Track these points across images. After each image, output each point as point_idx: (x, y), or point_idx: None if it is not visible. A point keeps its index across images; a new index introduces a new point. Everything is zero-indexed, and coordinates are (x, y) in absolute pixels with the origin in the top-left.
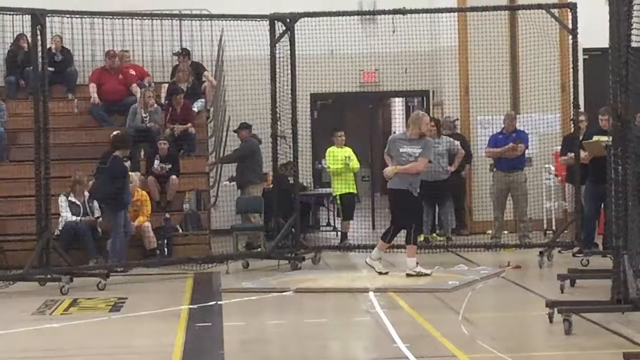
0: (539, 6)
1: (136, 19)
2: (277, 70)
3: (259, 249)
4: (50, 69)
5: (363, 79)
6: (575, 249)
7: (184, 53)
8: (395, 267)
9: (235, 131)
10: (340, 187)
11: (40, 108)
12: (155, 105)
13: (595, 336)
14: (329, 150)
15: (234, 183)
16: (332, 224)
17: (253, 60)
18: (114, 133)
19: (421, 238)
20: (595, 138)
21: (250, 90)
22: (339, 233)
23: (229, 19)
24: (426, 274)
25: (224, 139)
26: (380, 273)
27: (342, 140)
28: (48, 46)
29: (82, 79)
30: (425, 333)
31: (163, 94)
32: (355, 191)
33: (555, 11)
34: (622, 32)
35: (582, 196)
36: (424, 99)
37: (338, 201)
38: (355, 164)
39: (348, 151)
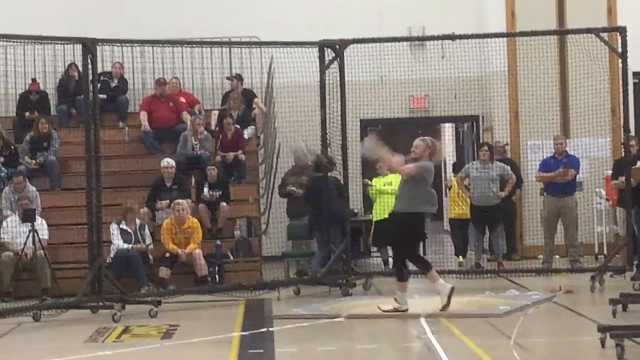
0: (588, 30)
1: (186, 47)
2: (327, 96)
3: (310, 276)
4: (102, 96)
5: (413, 104)
6: (628, 272)
7: (238, 78)
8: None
9: None
10: (377, 212)
11: (92, 136)
12: (205, 132)
13: None
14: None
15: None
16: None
17: (303, 86)
18: (317, 158)
19: (472, 263)
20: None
21: (300, 117)
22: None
23: (279, 46)
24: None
25: (274, 166)
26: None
27: (382, 171)
28: (106, 70)
29: (132, 107)
30: (477, 358)
31: (213, 121)
32: None
33: (605, 35)
34: None
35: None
36: (474, 124)
37: (372, 227)
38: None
39: (392, 177)
